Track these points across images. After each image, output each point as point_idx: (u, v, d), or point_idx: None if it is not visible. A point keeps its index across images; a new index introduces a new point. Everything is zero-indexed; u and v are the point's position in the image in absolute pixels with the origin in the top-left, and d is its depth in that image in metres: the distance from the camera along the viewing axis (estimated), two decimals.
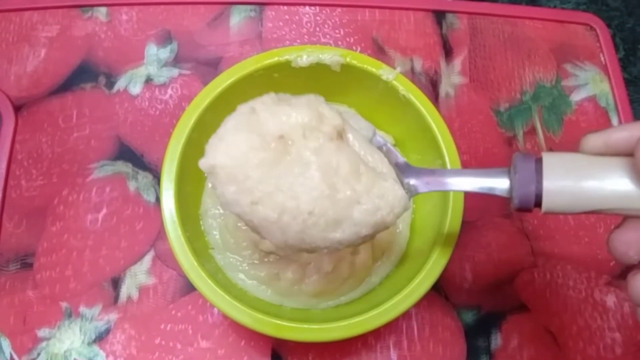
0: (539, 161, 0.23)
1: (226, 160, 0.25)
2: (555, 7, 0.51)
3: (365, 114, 0.38)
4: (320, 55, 0.34)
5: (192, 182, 0.34)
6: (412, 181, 0.26)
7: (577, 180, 0.22)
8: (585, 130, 0.43)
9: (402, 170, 0.27)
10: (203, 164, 0.26)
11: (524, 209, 0.23)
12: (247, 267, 0.34)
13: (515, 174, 0.23)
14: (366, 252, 0.34)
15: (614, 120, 0.45)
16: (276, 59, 0.34)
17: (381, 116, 0.37)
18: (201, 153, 0.36)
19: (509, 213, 0.41)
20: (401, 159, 0.28)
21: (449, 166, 0.33)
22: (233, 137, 0.25)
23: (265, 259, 0.34)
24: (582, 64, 0.46)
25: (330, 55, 0.34)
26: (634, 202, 0.21)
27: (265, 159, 0.25)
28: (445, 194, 0.32)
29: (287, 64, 0.34)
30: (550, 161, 0.22)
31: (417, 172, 0.27)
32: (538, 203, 0.23)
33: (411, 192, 0.26)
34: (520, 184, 0.23)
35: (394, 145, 0.38)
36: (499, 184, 0.24)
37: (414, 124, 0.35)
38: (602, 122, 0.44)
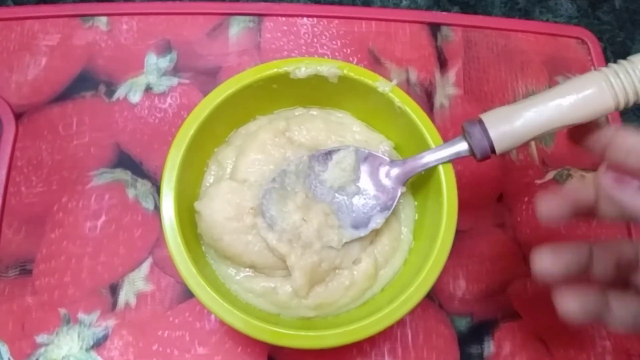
0: (481, 121, 0.30)
1: (208, 218, 0.32)
2: (547, 20, 0.51)
3: (362, 121, 0.39)
4: (318, 67, 0.35)
5: (189, 190, 0.34)
6: (396, 171, 0.33)
7: (510, 124, 0.29)
8: None
9: (390, 165, 0.34)
10: (197, 205, 0.33)
11: (485, 157, 0.31)
12: (241, 279, 0.34)
13: (470, 137, 0.30)
14: (368, 261, 0.34)
15: None
16: (275, 70, 0.35)
17: (379, 122, 0.38)
18: (200, 162, 0.36)
19: (502, 222, 0.42)
20: (386, 159, 0.34)
21: (442, 174, 0.34)
22: (215, 204, 0.32)
23: (261, 272, 0.34)
24: (574, 76, 0.47)
25: (328, 67, 0.35)
26: (547, 126, 0.29)
27: (237, 228, 0.32)
28: (440, 202, 0.33)
29: (285, 75, 0.35)
30: (489, 118, 0.30)
31: (400, 163, 0.33)
32: (493, 150, 0.30)
33: (400, 181, 0.33)
34: (476, 143, 0.30)
35: (394, 149, 0.38)
36: (461, 147, 0.31)
37: (409, 133, 0.35)
38: None
